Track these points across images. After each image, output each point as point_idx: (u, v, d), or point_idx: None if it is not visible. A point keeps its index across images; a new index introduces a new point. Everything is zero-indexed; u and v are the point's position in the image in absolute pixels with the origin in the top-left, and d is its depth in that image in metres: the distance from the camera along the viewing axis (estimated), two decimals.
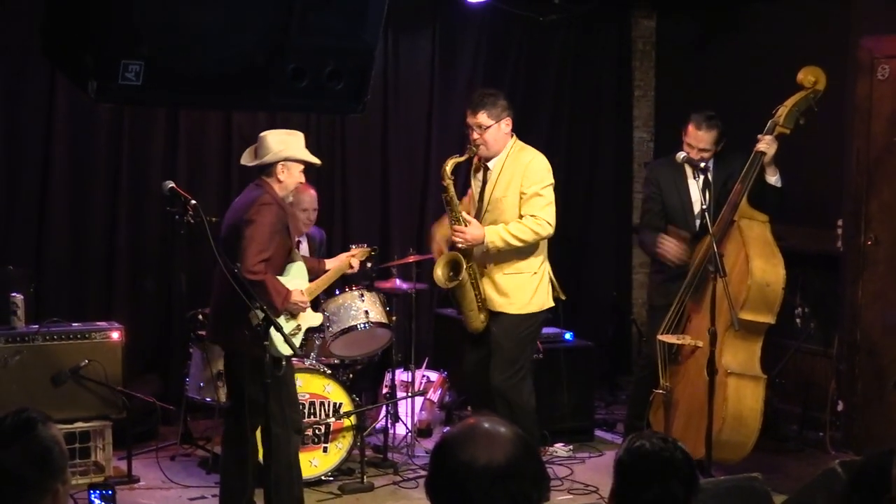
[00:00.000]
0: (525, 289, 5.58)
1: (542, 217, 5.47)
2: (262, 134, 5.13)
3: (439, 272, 5.61)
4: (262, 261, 4.80)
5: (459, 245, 5.53)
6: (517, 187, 5.52)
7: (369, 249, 5.89)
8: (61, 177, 6.80)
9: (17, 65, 6.63)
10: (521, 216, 5.49)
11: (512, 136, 5.65)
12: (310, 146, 7.19)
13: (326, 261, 5.67)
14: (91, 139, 6.89)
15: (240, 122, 7.23)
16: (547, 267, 5.70)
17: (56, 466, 2.19)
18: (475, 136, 5.56)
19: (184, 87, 3.51)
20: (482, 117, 5.52)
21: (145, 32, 3.26)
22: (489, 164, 5.62)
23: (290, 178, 5.02)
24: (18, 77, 6.65)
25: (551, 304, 5.74)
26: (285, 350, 4.83)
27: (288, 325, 4.88)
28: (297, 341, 4.97)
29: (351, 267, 5.61)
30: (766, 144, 5.65)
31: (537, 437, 5.93)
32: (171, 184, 4.66)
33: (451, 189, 5.56)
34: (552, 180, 5.60)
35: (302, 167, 5.07)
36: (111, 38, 3.27)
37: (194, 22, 3.34)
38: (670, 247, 5.92)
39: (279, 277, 4.96)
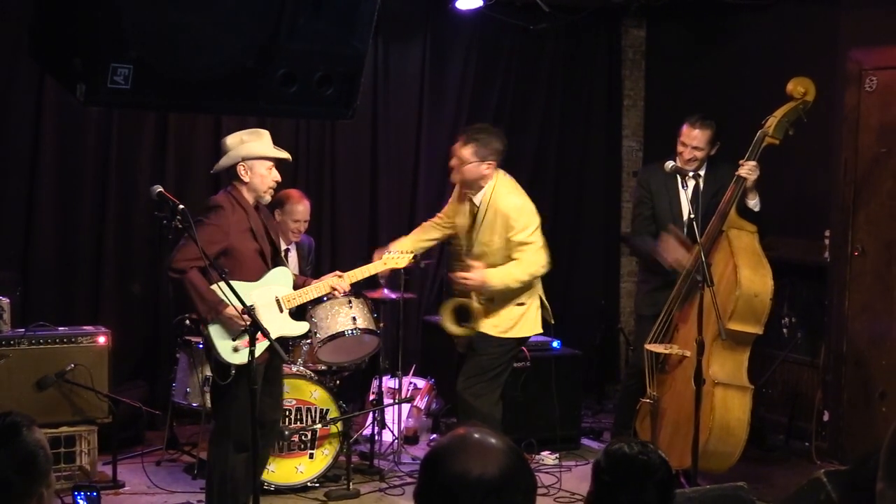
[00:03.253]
0: (509, 316, 5.68)
1: (537, 262, 5.60)
2: (223, 139, 5.07)
3: (449, 325, 5.70)
4: (188, 259, 4.70)
5: (463, 288, 5.62)
6: (503, 233, 5.58)
7: (409, 256, 5.66)
8: (49, 180, 6.78)
9: (6, 67, 6.61)
10: (514, 258, 5.57)
11: (494, 174, 5.66)
12: (299, 152, 7.28)
13: (314, 281, 5.38)
14: (79, 142, 6.87)
15: (229, 126, 7.16)
16: (537, 297, 5.77)
17: (40, 471, 2.18)
18: (453, 162, 5.63)
19: (173, 91, 3.50)
20: (467, 152, 5.57)
21: (134, 36, 3.25)
22: (475, 200, 5.68)
23: (255, 178, 4.90)
24: (6, 79, 6.63)
25: (536, 331, 5.85)
26: (229, 357, 4.82)
27: (230, 341, 4.82)
28: (244, 354, 4.76)
29: (333, 291, 5.27)
30: (748, 171, 5.66)
31: None
32: (160, 188, 4.63)
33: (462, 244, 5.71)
34: (538, 221, 5.65)
35: (269, 164, 4.93)
36: (100, 41, 3.26)
37: (184, 26, 3.33)
38: (672, 245, 5.88)
39: (252, 283, 4.84)
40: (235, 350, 4.81)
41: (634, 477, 2.44)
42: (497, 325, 5.66)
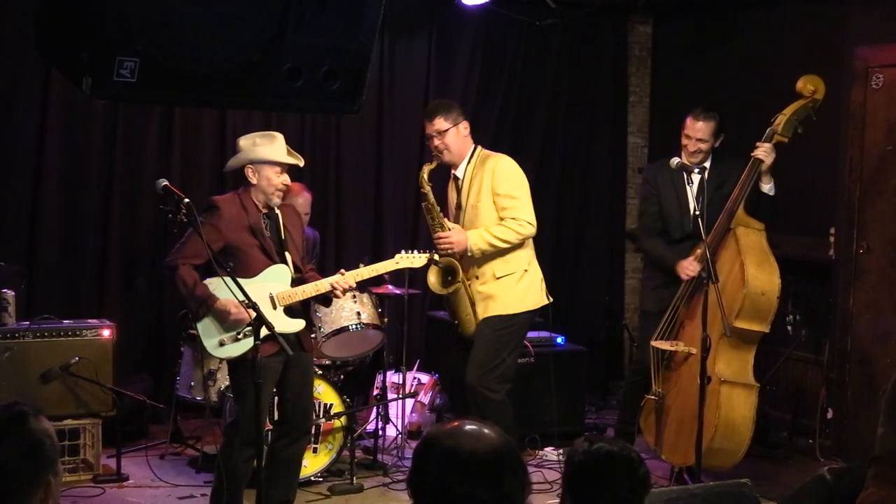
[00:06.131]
0: (514, 289, 5.59)
1: (521, 217, 5.51)
2: (238, 139, 5.11)
3: (433, 279, 5.60)
4: (183, 256, 4.79)
5: (445, 251, 5.53)
6: (489, 192, 5.54)
7: (425, 256, 5.39)
8: (54, 173, 6.78)
9: (12, 60, 6.61)
10: (500, 219, 5.52)
11: (475, 144, 5.70)
12: (304, 146, 7.27)
13: (321, 280, 5.11)
14: (85, 136, 6.88)
15: (234, 120, 7.22)
16: (537, 264, 5.71)
17: (48, 459, 2.20)
18: (436, 142, 5.61)
19: (179, 85, 3.50)
20: (439, 122, 5.58)
21: (141, 29, 3.25)
22: (458, 173, 5.67)
23: (263, 181, 4.94)
24: (13, 72, 6.63)
25: (544, 301, 5.72)
26: (215, 351, 4.87)
27: (216, 335, 4.85)
28: (240, 346, 4.84)
29: (334, 291, 5.05)
30: (765, 152, 5.64)
31: (513, 433, 5.92)
32: (165, 182, 4.63)
33: (431, 196, 5.58)
34: (524, 179, 5.62)
35: (279, 169, 4.95)
36: (106, 34, 3.26)
37: (190, 19, 3.33)
38: (689, 263, 5.86)
39: (247, 279, 4.74)
40: (221, 344, 4.84)
41: (623, 474, 2.42)
42: (501, 302, 5.57)
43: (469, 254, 5.51)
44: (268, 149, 4.98)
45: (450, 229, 5.54)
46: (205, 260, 4.70)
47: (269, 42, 3.53)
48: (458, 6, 7.53)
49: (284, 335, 4.51)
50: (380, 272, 5.36)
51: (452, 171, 5.73)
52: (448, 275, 5.60)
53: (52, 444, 2.22)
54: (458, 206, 5.68)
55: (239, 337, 4.84)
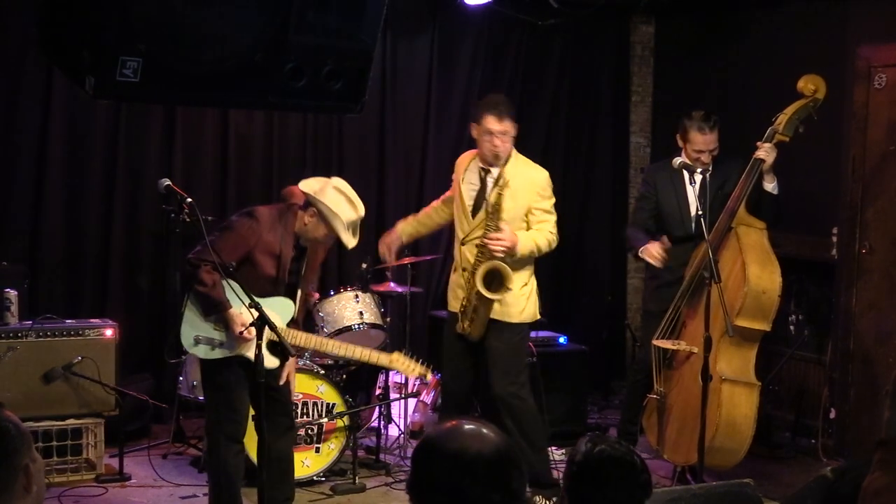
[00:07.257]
0: (518, 299, 5.62)
1: (554, 232, 5.61)
2: (338, 180, 4.88)
3: (483, 288, 5.42)
4: (203, 259, 4.65)
5: (497, 254, 5.42)
6: (527, 202, 5.54)
7: (420, 369, 5.25)
8: (57, 173, 6.78)
9: (14, 60, 6.61)
10: (535, 228, 5.56)
11: None
12: (306, 146, 7.29)
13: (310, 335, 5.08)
14: (87, 136, 6.87)
15: (237, 120, 7.22)
16: (534, 278, 5.73)
17: (17, 444, 2.15)
18: (497, 142, 5.49)
19: (181, 85, 3.51)
20: (509, 124, 5.50)
21: (143, 29, 3.26)
22: (493, 171, 5.57)
23: (312, 229, 4.77)
24: (15, 72, 6.63)
25: (538, 316, 5.80)
26: (190, 347, 4.83)
27: (214, 333, 4.81)
28: (210, 353, 4.78)
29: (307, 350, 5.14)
30: (766, 152, 5.65)
31: (547, 436, 5.92)
32: (167, 181, 4.63)
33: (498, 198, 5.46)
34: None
35: (329, 235, 4.79)
36: (109, 34, 3.27)
37: (193, 19, 3.34)
38: (652, 251, 5.90)
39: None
40: (196, 342, 4.79)
41: (623, 477, 2.41)
42: (510, 310, 5.59)
43: (512, 256, 5.47)
44: (343, 212, 4.73)
45: (502, 230, 5.42)
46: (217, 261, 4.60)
47: (271, 42, 3.53)
48: (460, 6, 7.52)
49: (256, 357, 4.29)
50: (370, 361, 5.24)
51: (481, 164, 5.64)
52: (492, 278, 5.46)
53: (17, 429, 2.18)
54: (478, 200, 5.62)
55: (214, 345, 4.80)
